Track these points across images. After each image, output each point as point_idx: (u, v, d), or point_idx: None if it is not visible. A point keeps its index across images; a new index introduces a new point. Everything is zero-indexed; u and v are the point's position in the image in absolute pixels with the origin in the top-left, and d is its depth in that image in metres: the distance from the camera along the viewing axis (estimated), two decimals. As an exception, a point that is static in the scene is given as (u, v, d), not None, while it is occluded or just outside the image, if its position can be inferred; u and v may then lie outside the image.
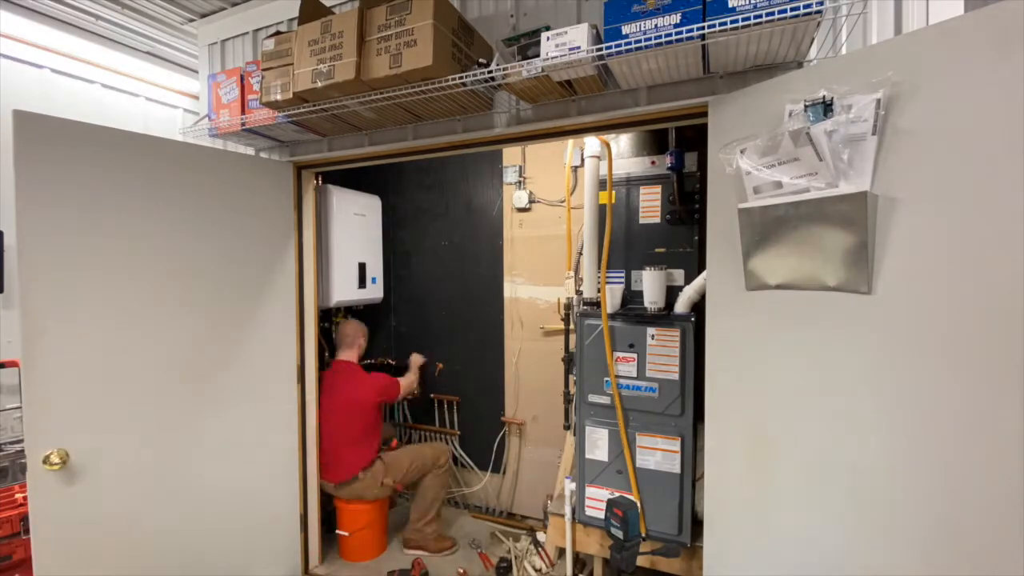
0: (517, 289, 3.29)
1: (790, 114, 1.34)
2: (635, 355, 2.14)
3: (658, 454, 2.12)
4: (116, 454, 1.93)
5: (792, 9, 1.24)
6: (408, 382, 3.12)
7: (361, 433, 2.85)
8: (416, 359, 3.39)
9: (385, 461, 2.89)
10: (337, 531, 2.92)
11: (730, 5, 1.31)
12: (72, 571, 1.83)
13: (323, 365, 3.13)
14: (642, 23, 1.42)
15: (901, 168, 1.16)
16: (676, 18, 1.37)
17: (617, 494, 2.13)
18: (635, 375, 2.14)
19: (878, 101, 1.17)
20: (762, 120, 1.40)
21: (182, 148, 2.18)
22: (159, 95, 3.43)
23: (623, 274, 2.39)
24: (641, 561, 1.89)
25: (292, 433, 2.58)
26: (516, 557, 2.82)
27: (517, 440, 3.34)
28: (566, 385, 2.77)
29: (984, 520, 1.06)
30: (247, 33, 2.68)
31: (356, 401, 2.83)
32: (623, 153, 2.43)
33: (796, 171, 1.31)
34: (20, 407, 1.83)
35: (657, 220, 2.32)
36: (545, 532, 2.64)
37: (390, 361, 3.66)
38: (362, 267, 3.26)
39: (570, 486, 2.31)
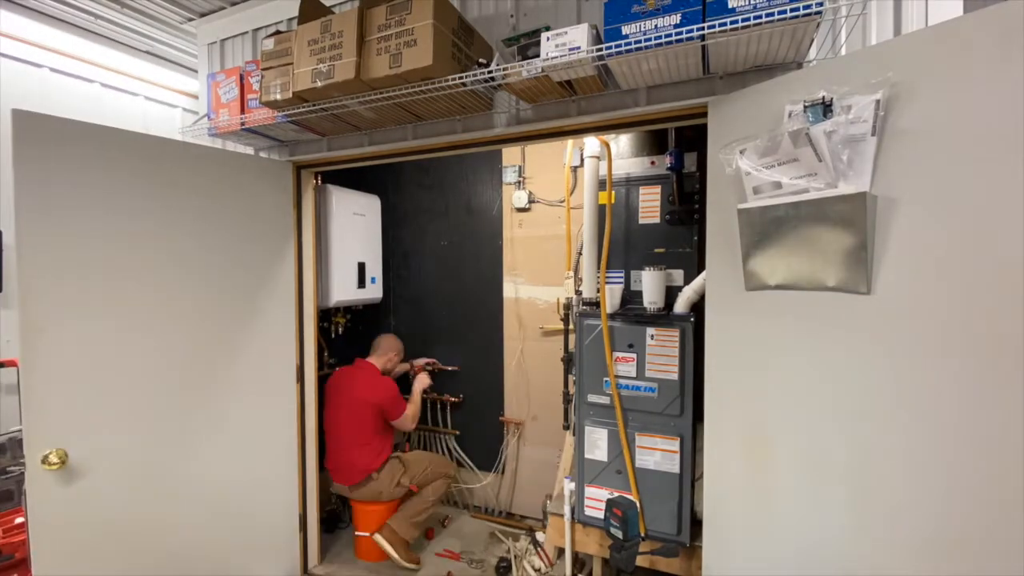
0: (517, 289, 3.30)
1: (790, 115, 1.34)
2: (634, 355, 2.14)
3: (657, 454, 2.12)
4: (115, 454, 1.93)
5: (792, 10, 1.24)
6: (410, 414, 2.97)
7: (371, 432, 2.81)
8: (420, 380, 3.18)
9: (403, 460, 2.89)
10: (356, 533, 2.92)
11: (730, 6, 1.32)
12: (71, 571, 1.82)
13: (322, 365, 3.13)
14: (642, 23, 1.42)
15: (900, 169, 1.17)
16: (676, 18, 1.38)
17: (616, 494, 2.14)
18: (634, 375, 2.14)
19: (877, 102, 1.18)
20: (762, 121, 1.41)
21: (181, 147, 2.17)
22: (158, 94, 3.43)
23: (622, 274, 2.39)
24: (640, 561, 1.89)
25: (291, 433, 2.57)
26: (516, 557, 2.82)
27: (516, 440, 3.34)
28: (565, 385, 2.77)
29: (985, 520, 1.07)
30: (247, 32, 2.68)
31: (363, 400, 2.81)
32: (623, 153, 2.43)
33: (795, 171, 1.32)
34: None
35: (657, 220, 2.32)
36: (544, 532, 2.64)
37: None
38: (361, 267, 3.26)
39: (569, 486, 2.31)
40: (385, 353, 3.10)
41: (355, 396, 2.82)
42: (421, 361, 3.46)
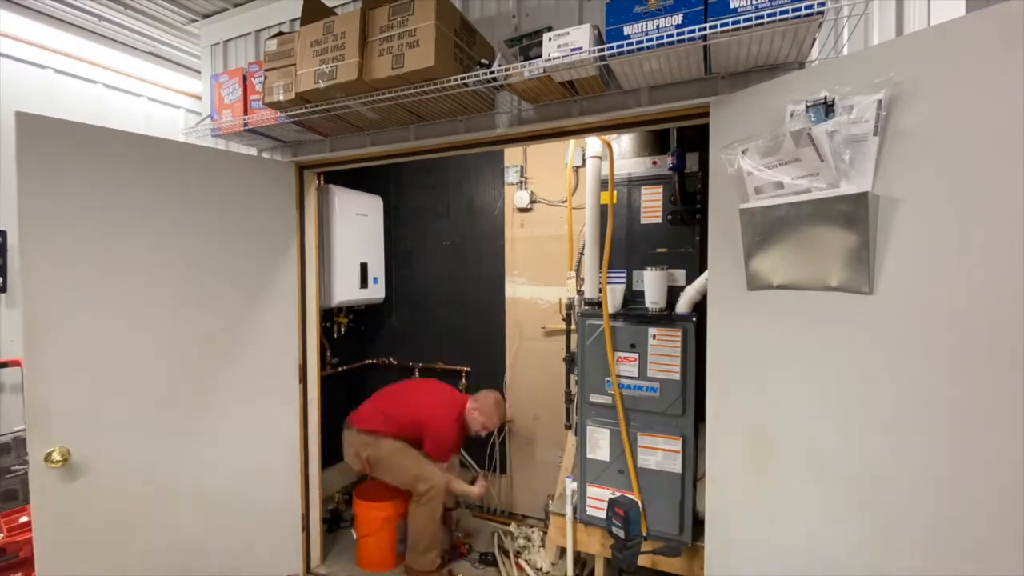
0: (518, 289, 3.30)
1: (792, 115, 1.34)
2: (636, 355, 2.14)
3: (659, 454, 2.12)
4: (117, 452, 1.94)
5: (794, 10, 1.25)
6: (443, 484, 2.70)
7: (400, 422, 2.77)
8: (476, 491, 2.80)
9: (376, 437, 2.76)
10: (354, 535, 2.94)
11: (732, 6, 1.32)
12: (73, 568, 1.83)
13: (324, 365, 3.14)
14: (644, 24, 1.42)
15: (902, 169, 1.17)
16: (678, 19, 1.38)
17: (618, 493, 2.14)
18: (636, 375, 2.14)
19: (879, 102, 1.18)
20: (764, 120, 1.41)
21: (184, 149, 2.18)
22: (161, 95, 3.44)
23: (624, 274, 2.39)
24: (642, 560, 1.89)
25: (294, 432, 2.58)
26: (516, 553, 2.83)
27: (518, 440, 3.34)
28: (567, 385, 2.77)
29: (986, 520, 1.07)
30: (249, 34, 2.69)
31: (425, 418, 2.77)
32: (624, 153, 2.43)
33: (797, 171, 1.32)
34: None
35: (659, 220, 2.32)
36: (546, 532, 2.64)
37: (392, 361, 3.67)
38: (364, 267, 3.27)
39: (571, 485, 2.31)
40: (481, 407, 2.83)
41: (431, 412, 2.79)
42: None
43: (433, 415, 2.79)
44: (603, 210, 2.37)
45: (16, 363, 2.63)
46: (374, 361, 3.71)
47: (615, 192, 2.37)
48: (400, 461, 2.75)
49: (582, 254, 2.76)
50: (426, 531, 2.67)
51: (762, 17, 1.27)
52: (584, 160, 2.59)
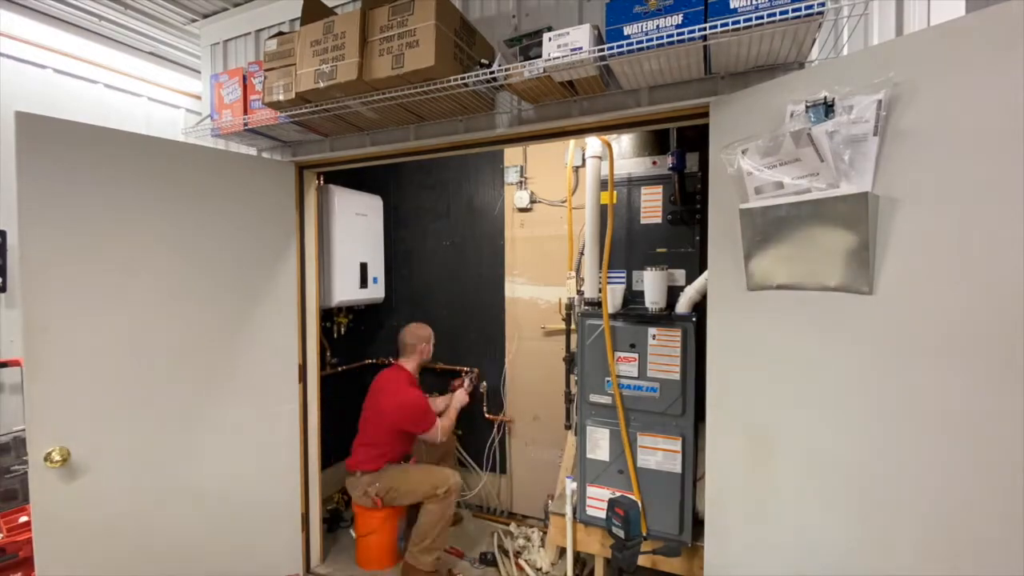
0: (518, 289, 3.30)
1: (791, 115, 1.34)
2: (636, 355, 2.14)
3: (659, 454, 2.12)
4: (117, 452, 1.94)
5: (794, 10, 1.25)
6: (444, 427, 2.87)
7: (381, 439, 2.77)
8: (459, 399, 3.11)
9: (386, 473, 2.75)
10: (353, 535, 2.93)
11: (732, 6, 1.32)
12: (73, 568, 1.83)
13: (324, 365, 3.14)
14: (644, 24, 1.42)
15: (902, 169, 1.17)
16: (678, 19, 1.38)
17: (618, 494, 2.14)
18: (636, 375, 2.14)
19: (879, 102, 1.18)
20: (763, 121, 1.41)
21: (184, 148, 2.18)
22: (161, 95, 3.44)
23: (624, 274, 2.39)
24: (642, 560, 1.89)
25: (294, 432, 2.58)
26: (516, 553, 2.83)
27: (517, 440, 3.34)
28: (567, 385, 2.78)
29: (985, 520, 1.07)
30: (249, 33, 2.69)
31: (384, 412, 2.77)
32: (624, 153, 2.43)
33: (797, 172, 1.32)
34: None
35: (658, 220, 2.32)
36: (546, 532, 2.64)
37: (392, 360, 3.66)
38: (364, 267, 3.27)
39: (571, 486, 2.31)
40: (415, 349, 2.99)
41: (381, 405, 2.79)
42: (463, 383, 3.26)
43: (394, 405, 2.77)
44: (603, 210, 2.37)
45: (16, 363, 2.63)
46: (374, 361, 3.71)
47: (615, 192, 2.37)
48: (408, 482, 2.74)
49: (582, 254, 2.76)
50: (434, 528, 2.65)
51: (762, 17, 1.27)
52: (584, 160, 2.59)
